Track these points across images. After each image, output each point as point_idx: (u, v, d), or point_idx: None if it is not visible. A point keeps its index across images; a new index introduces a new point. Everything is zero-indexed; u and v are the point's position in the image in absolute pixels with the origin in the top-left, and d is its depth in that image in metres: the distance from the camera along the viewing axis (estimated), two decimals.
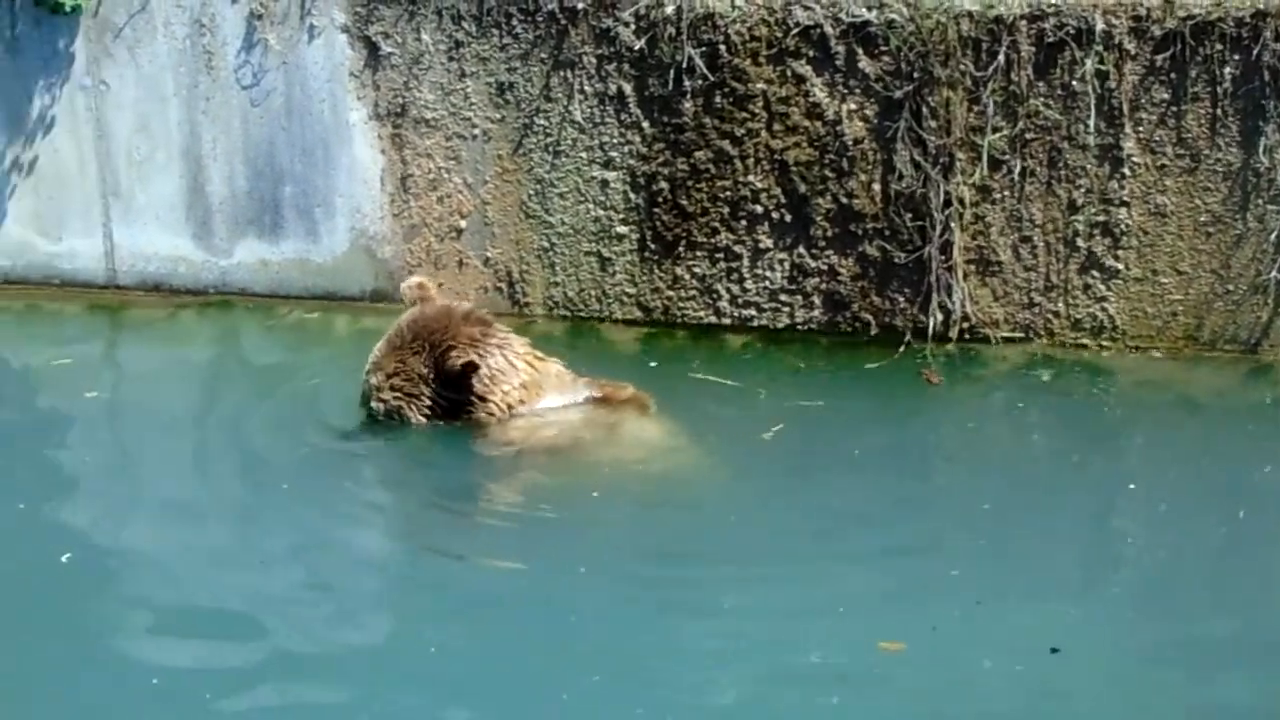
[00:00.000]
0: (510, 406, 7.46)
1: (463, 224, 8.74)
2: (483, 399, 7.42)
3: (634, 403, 7.60)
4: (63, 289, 9.29)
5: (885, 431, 7.66)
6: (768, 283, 8.42)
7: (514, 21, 8.49)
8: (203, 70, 8.86)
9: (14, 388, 8.61)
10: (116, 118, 9.02)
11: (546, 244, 8.68)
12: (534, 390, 7.51)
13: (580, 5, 8.35)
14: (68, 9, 8.83)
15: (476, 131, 8.64)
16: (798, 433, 7.53)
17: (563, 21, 8.42)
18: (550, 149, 8.57)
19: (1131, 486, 7.16)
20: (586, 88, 8.46)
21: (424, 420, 7.42)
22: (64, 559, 6.56)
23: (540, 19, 8.45)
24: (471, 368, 7.34)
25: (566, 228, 8.63)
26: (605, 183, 8.51)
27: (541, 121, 8.56)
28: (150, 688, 5.73)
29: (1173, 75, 7.80)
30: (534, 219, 8.67)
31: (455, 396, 7.41)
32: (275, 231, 8.98)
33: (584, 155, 8.52)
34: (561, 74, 8.48)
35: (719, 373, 8.07)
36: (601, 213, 8.56)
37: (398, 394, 7.41)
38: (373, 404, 7.48)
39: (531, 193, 8.64)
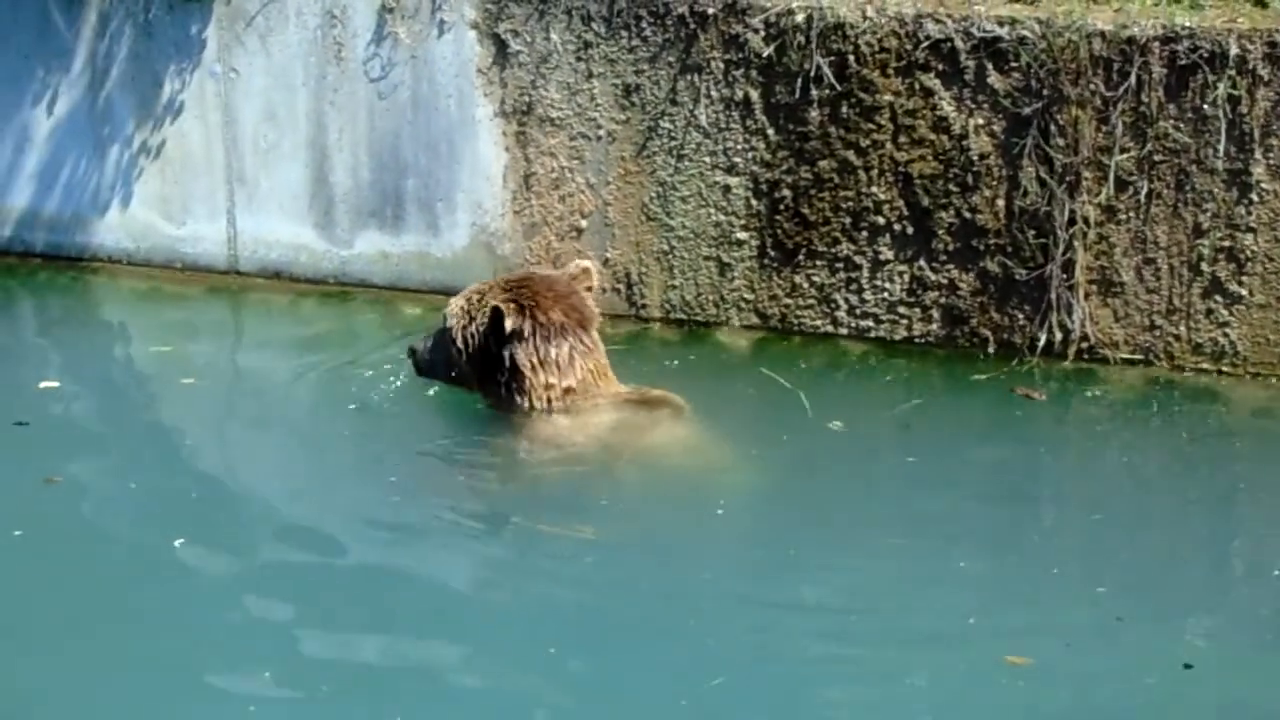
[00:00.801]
0: (549, 401, 7.44)
1: (583, 224, 8.85)
2: (518, 377, 7.37)
3: (669, 406, 7.59)
4: (184, 273, 9.43)
5: (997, 447, 7.71)
6: (886, 294, 8.48)
7: (643, 24, 8.59)
8: (332, 61, 9.01)
9: (133, 369, 8.76)
10: (244, 105, 9.18)
11: (666, 247, 8.78)
12: (576, 395, 7.47)
13: (711, 10, 8.44)
14: None
15: (601, 132, 8.75)
16: (903, 443, 7.59)
17: (692, 26, 8.51)
18: (674, 152, 8.67)
19: (1250, 508, 7.17)
20: (713, 92, 8.55)
21: (459, 350, 7.44)
22: (176, 544, 6.65)
23: (670, 22, 8.55)
24: (498, 314, 7.25)
25: (687, 231, 8.72)
26: (727, 188, 8.60)
27: (666, 125, 8.66)
28: (262, 676, 5.84)
29: None
30: (654, 221, 8.76)
31: (501, 355, 7.38)
32: (396, 224, 9.11)
33: (707, 160, 8.62)
34: (688, 78, 8.58)
35: (820, 381, 8.11)
36: (722, 218, 8.65)
37: (464, 307, 7.45)
38: (449, 305, 7.50)
39: (653, 195, 8.74)
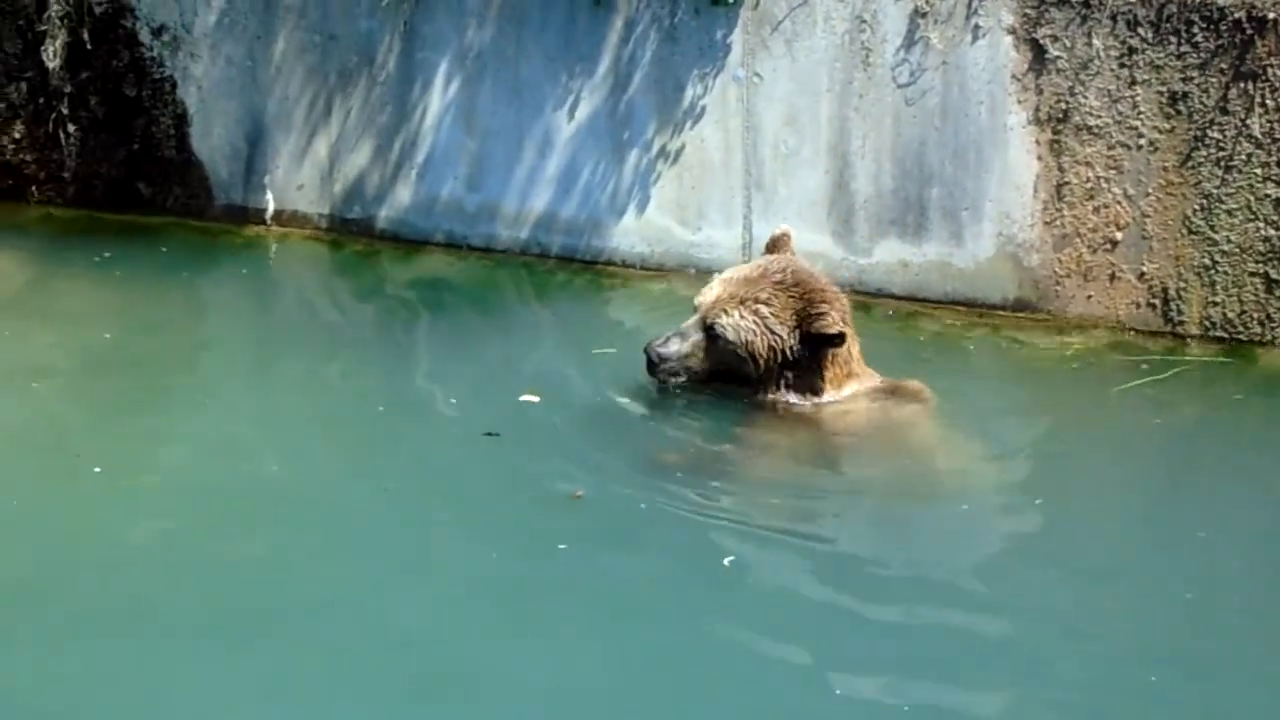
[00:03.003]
0: (827, 390, 7.51)
1: (1119, 236, 8.70)
2: (820, 373, 7.45)
3: (923, 401, 7.58)
4: (699, 278, 9.58)
5: None
6: None
7: (1194, 29, 8.39)
8: (859, 66, 9.05)
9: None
10: (766, 110, 9.30)
11: (1208, 261, 8.57)
12: (848, 380, 7.56)
13: (1271, 15, 8.19)
14: (730, 0, 9.13)
15: (1142, 141, 8.58)
16: None
17: (1248, 31, 8.29)
18: (1221, 163, 8.46)
19: None
20: (1268, 101, 8.32)
21: (757, 361, 7.42)
22: (726, 561, 6.69)
23: (1224, 27, 8.34)
24: (840, 339, 7.36)
25: (1232, 246, 8.50)
26: (1279, 201, 8.33)
27: (1214, 134, 8.45)
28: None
29: None
30: (1197, 235, 8.56)
31: (802, 356, 7.41)
32: (918, 233, 9.11)
33: (1258, 171, 8.38)
34: (1241, 85, 8.36)
35: None
36: (1273, 232, 8.41)
37: (755, 321, 7.41)
38: (721, 319, 7.41)
39: (1196, 207, 8.54)
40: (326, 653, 5.92)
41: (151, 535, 6.80)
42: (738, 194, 9.48)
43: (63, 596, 6.31)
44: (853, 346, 7.62)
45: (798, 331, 7.41)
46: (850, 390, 7.60)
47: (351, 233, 10.23)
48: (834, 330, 7.38)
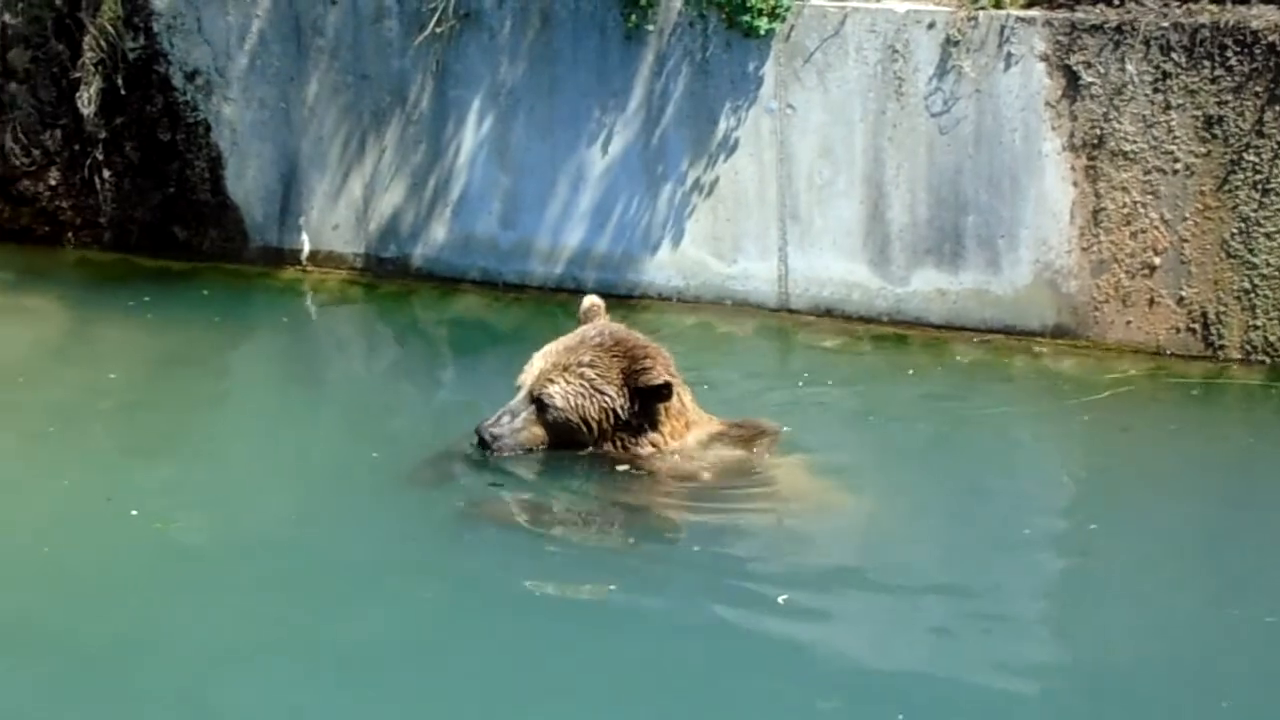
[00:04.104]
0: (668, 442, 7.50)
1: (1157, 261, 8.76)
2: (655, 426, 7.45)
3: (767, 438, 7.59)
4: (734, 310, 9.67)
5: None
6: None
7: (1227, 53, 8.47)
8: (891, 96, 9.14)
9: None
10: (800, 142, 9.39)
11: (1248, 285, 8.62)
12: (686, 429, 7.55)
13: None
14: (761, 32, 9.26)
15: (1178, 166, 8.64)
16: None
17: None
18: (1258, 186, 8.53)
19: None
20: None
21: (590, 425, 7.41)
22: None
23: (1258, 51, 8.44)
24: (668, 390, 7.35)
25: (1271, 269, 8.57)
26: None
27: (1251, 157, 8.52)
28: None
29: None
30: (1236, 259, 8.62)
31: (635, 413, 7.41)
32: (955, 261, 9.18)
33: None
34: (1277, 108, 8.44)
35: None
36: None
37: (582, 386, 7.39)
38: (547, 389, 7.39)
39: (1234, 231, 8.61)
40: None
41: (183, 578, 6.87)
42: (773, 226, 9.56)
43: (95, 639, 6.37)
44: (684, 395, 7.54)
45: (625, 389, 7.39)
46: (693, 438, 7.59)
47: (387, 272, 10.34)
48: (659, 381, 7.34)
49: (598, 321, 7.65)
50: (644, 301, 9.88)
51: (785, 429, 7.72)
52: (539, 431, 7.47)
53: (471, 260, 10.15)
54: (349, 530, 7.24)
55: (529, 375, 7.50)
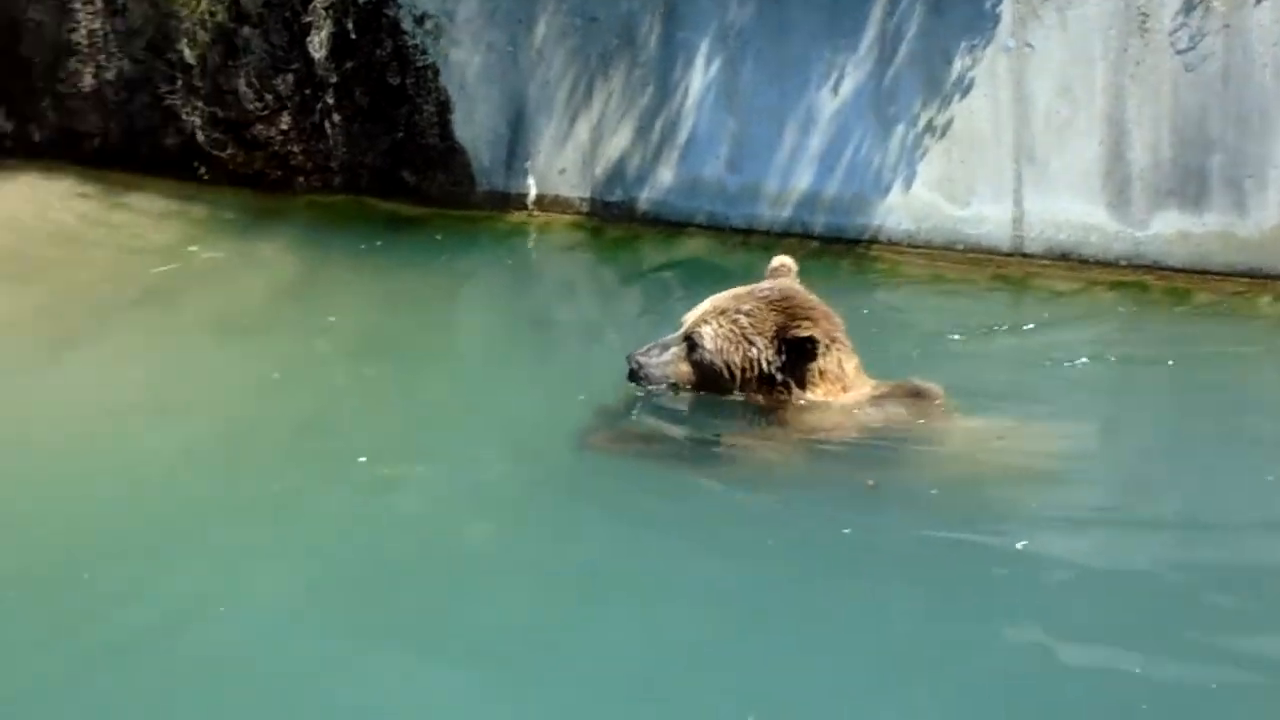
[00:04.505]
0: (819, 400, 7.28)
1: None
2: (803, 384, 7.25)
3: (929, 401, 7.28)
4: (965, 255, 9.50)
5: None
6: None
7: None
8: (1135, 33, 8.91)
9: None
10: (1037, 81, 9.19)
11: None
12: (842, 392, 7.31)
13: None
14: None
15: None
16: None
17: None
18: None
19: None
20: None
21: (733, 372, 7.27)
22: None
23: None
24: (813, 345, 7.16)
25: None
26: None
27: None
28: None
29: None
30: None
31: (777, 369, 7.25)
32: (1198, 203, 8.94)
33: None
34: None
35: None
36: None
37: (734, 330, 7.27)
38: (701, 329, 7.29)
39: None
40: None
41: (415, 524, 6.90)
42: (1008, 167, 9.38)
43: (325, 580, 6.44)
44: (844, 360, 7.34)
45: (775, 342, 7.26)
46: (849, 398, 7.38)
47: (613, 216, 10.34)
48: (806, 334, 7.20)
49: (780, 280, 7.53)
50: (873, 247, 9.75)
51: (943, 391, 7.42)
52: (685, 369, 7.40)
53: (698, 204, 10.10)
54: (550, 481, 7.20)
55: (692, 314, 7.46)
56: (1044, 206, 9.34)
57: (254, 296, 9.85)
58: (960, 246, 9.56)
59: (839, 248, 9.84)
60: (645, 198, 10.22)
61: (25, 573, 6.48)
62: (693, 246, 10.08)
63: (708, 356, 7.34)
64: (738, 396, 7.38)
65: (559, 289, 10.16)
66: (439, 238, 10.37)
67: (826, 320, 7.38)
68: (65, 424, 7.91)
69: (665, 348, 7.45)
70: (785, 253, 9.33)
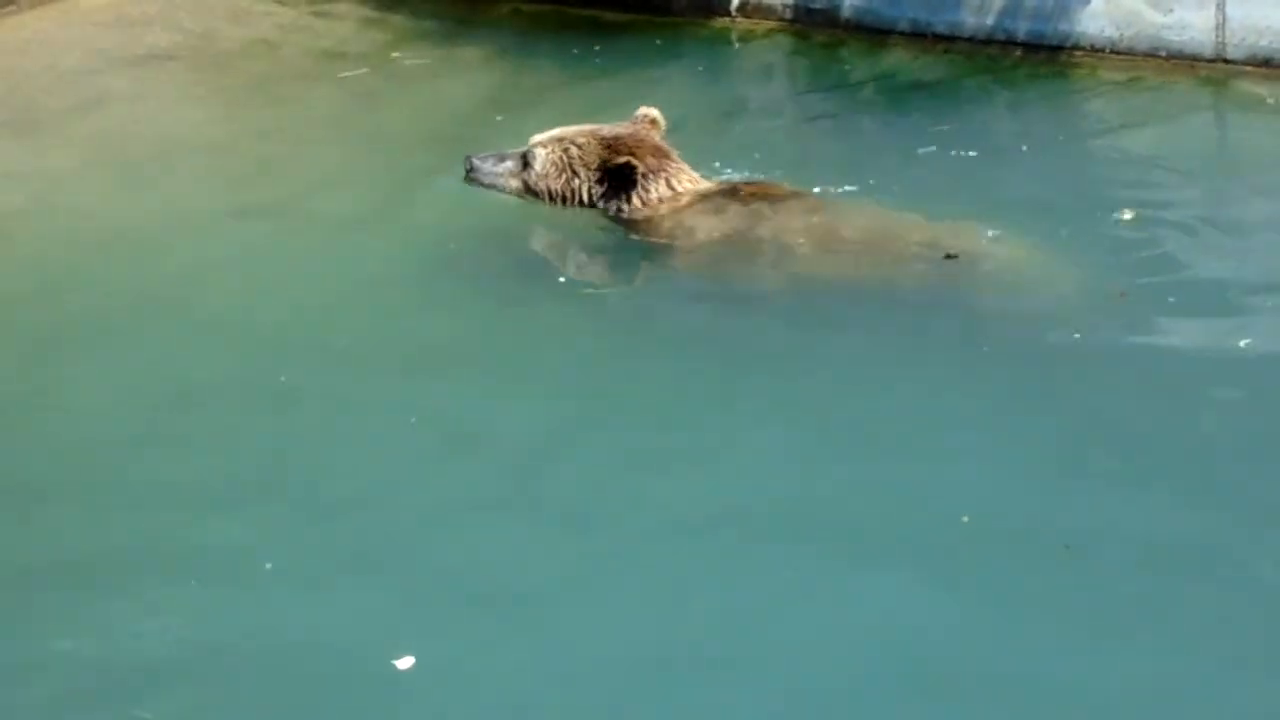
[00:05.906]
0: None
1: None
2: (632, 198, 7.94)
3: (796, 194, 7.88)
4: (1168, 61, 9.70)
5: None
6: None
7: None
8: None
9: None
10: None
11: None
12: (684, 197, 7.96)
13: None
14: None
15: None
16: None
17: None
18: None
19: None
20: None
21: (555, 198, 8.01)
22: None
23: None
24: (631, 169, 7.85)
25: None
26: None
27: None
28: None
29: None
30: None
31: (602, 195, 7.98)
32: None
33: None
34: None
35: None
36: None
37: (563, 160, 8.01)
38: (535, 150, 8.02)
39: None
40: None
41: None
42: None
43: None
44: (674, 180, 7.96)
45: (597, 173, 7.98)
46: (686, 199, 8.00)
47: (816, 23, 10.63)
48: (621, 160, 7.87)
49: (636, 126, 8.13)
50: (1075, 53, 9.96)
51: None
52: (515, 184, 8.14)
53: (901, 11, 10.37)
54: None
55: (537, 136, 8.15)
56: (1246, 12, 9.57)
57: (461, 101, 10.17)
58: (1163, 54, 9.78)
59: (1040, 58, 10.05)
60: (849, 4, 10.51)
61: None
62: (895, 55, 10.33)
63: (534, 178, 8.08)
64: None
65: (760, 96, 10.37)
66: (658, 42, 10.63)
67: (654, 155, 7.99)
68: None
69: (502, 159, 8.20)
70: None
